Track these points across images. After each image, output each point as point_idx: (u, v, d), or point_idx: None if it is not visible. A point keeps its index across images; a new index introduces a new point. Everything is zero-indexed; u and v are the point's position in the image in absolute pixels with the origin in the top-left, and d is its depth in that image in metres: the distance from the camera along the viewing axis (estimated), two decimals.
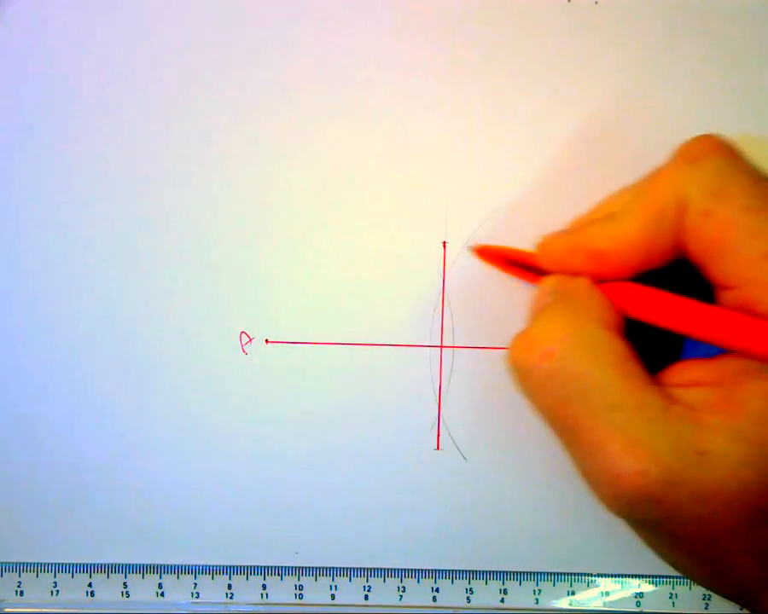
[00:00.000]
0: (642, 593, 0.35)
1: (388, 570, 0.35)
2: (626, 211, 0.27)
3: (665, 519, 0.25)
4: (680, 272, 0.27)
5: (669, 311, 0.26)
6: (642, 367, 0.26)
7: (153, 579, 0.35)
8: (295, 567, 0.35)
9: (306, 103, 0.33)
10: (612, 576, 0.35)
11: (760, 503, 0.24)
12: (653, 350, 0.27)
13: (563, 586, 0.35)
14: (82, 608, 0.35)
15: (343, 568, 0.35)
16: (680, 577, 0.34)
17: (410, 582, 0.35)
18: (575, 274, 0.28)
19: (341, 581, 0.35)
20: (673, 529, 0.25)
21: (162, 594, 0.35)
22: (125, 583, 0.35)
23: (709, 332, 0.25)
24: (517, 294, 0.33)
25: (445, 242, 0.34)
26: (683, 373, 0.26)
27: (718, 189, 0.25)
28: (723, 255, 0.25)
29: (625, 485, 0.24)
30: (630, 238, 0.26)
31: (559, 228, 0.29)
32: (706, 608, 0.34)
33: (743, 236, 0.24)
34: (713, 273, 0.26)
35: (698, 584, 0.28)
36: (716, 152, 0.26)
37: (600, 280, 0.27)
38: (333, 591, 0.35)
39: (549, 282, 0.29)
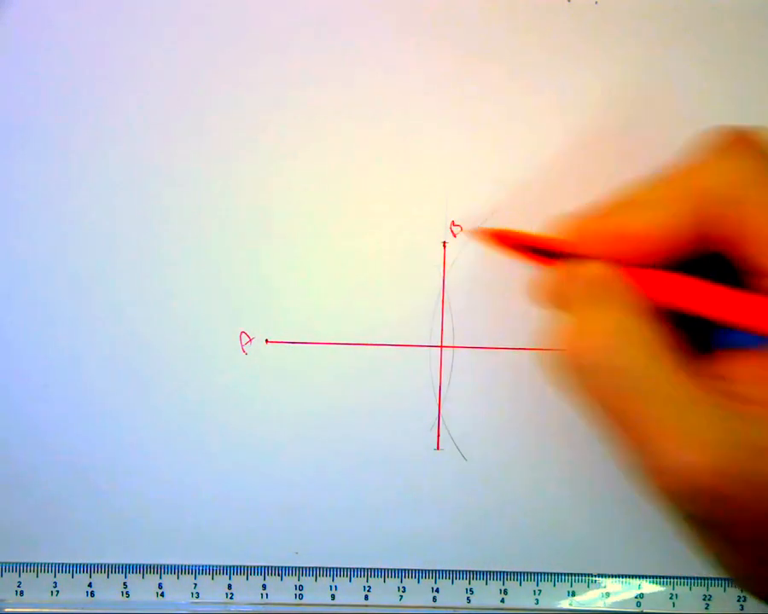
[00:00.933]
0: (642, 593, 0.35)
1: (388, 570, 0.35)
2: (658, 198, 0.26)
3: (724, 516, 0.24)
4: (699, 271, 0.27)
5: (703, 297, 0.26)
6: (689, 358, 0.25)
7: (153, 579, 0.35)
8: (295, 567, 0.35)
9: (306, 103, 0.33)
10: (612, 576, 0.35)
11: None
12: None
13: (563, 586, 0.35)
14: (82, 608, 0.35)
15: (343, 568, 0.35)
16: (681, 577, 0.34)
17: (410, 582, 0.35)
18: (598, 258, 0.27)
19: (341, 581, 0.35)
20: (733, 527, 0.24)
21: (162, 594, 0.35)
22: (125, 583, 0.35)
23: (742, 316, 0.25)
24: (517, 294, 0.33)
25: (445, 242, 0.34)
26: (736, 364, 0.26)
27: (749, 181, 0.25)
28: (753, 244, 0.25)
29: (681, 478, 0.23)
30: (661, 224, 0.26)
31: (573, 211, 0.28)
32: (706, 608, 0.34)
33: None
34: (744, 261, 0.26)
35: (755, 595, 0.27)
36: (746, 143, 0.26)
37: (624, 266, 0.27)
38: (333, 591, 0.35)
39: (581, 269, 0.27)
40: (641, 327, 0.25)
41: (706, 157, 0.26)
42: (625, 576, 0.35)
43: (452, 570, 0.35)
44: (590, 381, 0.26)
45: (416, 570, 0.35)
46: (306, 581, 0.35)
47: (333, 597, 0.35)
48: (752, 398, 0.24)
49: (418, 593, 0.35)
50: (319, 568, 0.35)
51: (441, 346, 0.34)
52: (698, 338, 0.27)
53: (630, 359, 0.25)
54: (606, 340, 0.25)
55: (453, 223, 0.34)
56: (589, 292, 0.27)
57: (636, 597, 0.35)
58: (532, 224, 0.33)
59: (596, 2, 0.33)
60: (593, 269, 0.28)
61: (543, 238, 0.29)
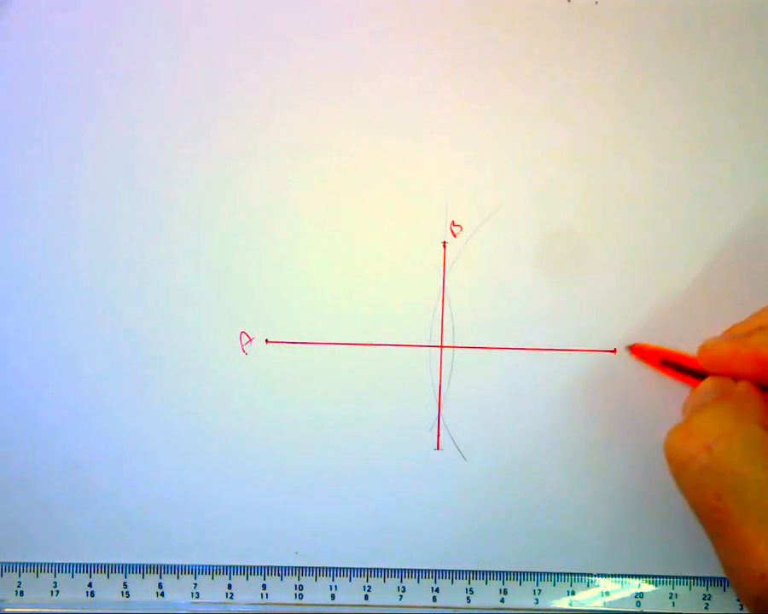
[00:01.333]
0: (642, 593, 0.35)
1: (388, 570, 0.35)
2: None
3: None
4: None
5: None
6: None
7: (153, 579, 0.35)
8: (295, 567, 0.35)
9: (307, 104, 0.33)
10: (612, 576, 0.35)
11: None
12: None
13: (563, 586, 0.35)
14: (82, 608, 0.35)
15: (343, 568, 0.35)
16: (680, 577, 0.34)
17: (409, 582, 0.35)
18: (736, 377, 0.28)
19: (341, 581, 0.35)
20: None
21: (162, 594, 0.35)
22: (125, 583, 0.35)
23: None
24: (517, 295, 0.33)
25: (445, 242, 0.34)
26: None
27: None
28: None
29: None
30: None
31: (717, 333, 0.30)
32: (706, 608, 0.34)
33: None
34: None
35: None
36: None
37: (760, 385, 0.28)
38: (333, 591, 0.35)
39: (709, 382, 0.29)
40: (756, 436, 0.26)
41: None
42: (625, 576, 0.35)
43: (452, 570, 0.35)
44: (696, 481, 0.26)
45: (415, 570, 0.35)
46: (306, 581, 0.35)
47: (333, 597, 0.35)
48: None
49: (418, 593, 0.35)
50: (319, 568, 0.35)
51: (441, 346, 0.34)
52: None
53: (738, 464, 0.25)
54: (718, 443, 0.26)
55: (453, 223, 0.34)
56: (704, 400, 0.28)
57: (635, 596, 0.35)
58: (530, 225, 0.34)
59: (596, 2, 0.33)
60: (711, 381, 0.29)
61: (681, 355, 0.32)
